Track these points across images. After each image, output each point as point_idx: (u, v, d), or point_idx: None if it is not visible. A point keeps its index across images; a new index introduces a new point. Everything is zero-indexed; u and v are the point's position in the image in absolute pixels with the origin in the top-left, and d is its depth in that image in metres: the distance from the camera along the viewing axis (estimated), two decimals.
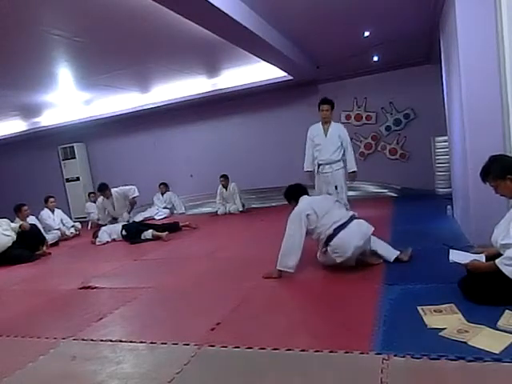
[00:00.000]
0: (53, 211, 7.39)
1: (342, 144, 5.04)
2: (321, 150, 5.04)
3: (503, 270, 2.24)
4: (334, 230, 3.23)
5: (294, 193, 3.61)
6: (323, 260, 3.44)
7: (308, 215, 3.31)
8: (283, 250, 3.29)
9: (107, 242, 6.41)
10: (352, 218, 3.36)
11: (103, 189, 7.21)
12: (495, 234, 2.44)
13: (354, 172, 5.15)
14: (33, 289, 4.26)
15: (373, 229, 3.34)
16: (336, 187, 5.05)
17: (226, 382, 1.94)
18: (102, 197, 7.31)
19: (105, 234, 6.51)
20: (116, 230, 6.51)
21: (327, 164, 5.04)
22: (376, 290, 2.80)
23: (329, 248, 3.26)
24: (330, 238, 3.23)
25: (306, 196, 3.58)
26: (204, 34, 4.41)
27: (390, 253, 3.40)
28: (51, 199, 7.43)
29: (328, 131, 5.04)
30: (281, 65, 6.15)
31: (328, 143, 5.01)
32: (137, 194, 7.17)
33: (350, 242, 3.16)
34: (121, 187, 7.24)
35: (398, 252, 3.39)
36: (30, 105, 7.53)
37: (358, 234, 3.21)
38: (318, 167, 5.09)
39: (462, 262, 2.47)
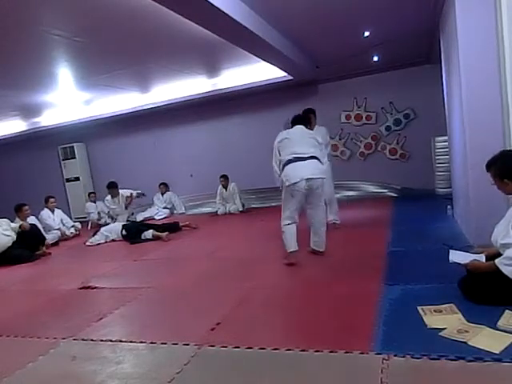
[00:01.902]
0: (53, 211, 7.40)
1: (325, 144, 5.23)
2: None
3: (503, 270, 2.24)
4: (289, 160, 3.73)
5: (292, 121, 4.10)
6: (283, 198, 3.83)
7: (279, 142, 3.88)
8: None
9: (98, 244, 6.38)
10: (312, 158, 3.76)
11: (112, 187, 7.47)
12: (495, 234, 2.44)
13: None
14: (33, 289, 4.26)
15: (325, 176, 3.88)
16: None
17: (226, 382, 1.94)
18: (109, 195, 7.53)
19: (101, 236, 6.51)
20: (116, 229, 6.51)
21: None
22: (376, 290, 2.80)
23: (282, 174, 3.76)
24: (285, 165, 3.75)
25: (293, 127, 3.99)
26: (204, 34, 4.41)
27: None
28: (51, 199, 7.44)
29: None
30: (281, 65, 6.15)
31: None
32: (135, 194, 7.59)
33: (299, 172, 3.66)
34: (125, 189, 7.61)
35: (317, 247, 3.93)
36: (30, 105, 7.53)
37: (308, 170, 3.68)
38: None
39: (462, 262, 2.47)
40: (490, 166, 2.46)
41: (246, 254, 4.44)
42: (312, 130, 5.20)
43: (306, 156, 3.73)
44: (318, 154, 3.83)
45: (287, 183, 3.69)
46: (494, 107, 3.30)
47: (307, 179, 3.64)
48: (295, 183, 3.64)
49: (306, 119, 4.20)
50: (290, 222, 3.77)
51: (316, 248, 3.94)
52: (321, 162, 3.84)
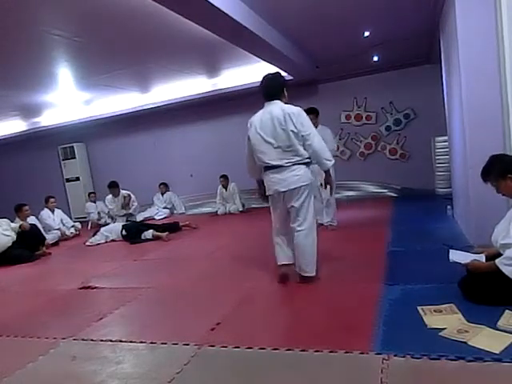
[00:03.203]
0: (53, 211, 7.41)
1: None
2: None
3: (503, 270, 2.24)
4: (265, 167, 3.14)
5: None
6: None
7: (249, 140, 3.22)
8: None
9: (98, 244, 6.38)
10: (292, 164, 3.04)
11: (113, 186, 7.59)
12: (495, 234, 2.45)
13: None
14: (33, 289, 4.26)
15: (304, 183, 3.05)
16: (321, 184, 5.09)
17: (226, 382, 1.94)
18: (110, 195, 7.65)
19: (101, 236, 6.51)
20: (116, 229, 6.51)
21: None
22: (376, 290, 2.80)
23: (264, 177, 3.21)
24: (265, 170, 3.16)
25: (265, 108, 3.17)
26: (204, 34, 4.41)
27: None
28: (52, 199, 7.45)
29: None
30: (281, 65, 6.15)
31: None
32: (133, 197, 7.74)
33: (273, 186, 3.11)
34: (126, 191, 7.75)
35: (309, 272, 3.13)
36: (30, 105, 7.53)
37: (283, 182, 3.05)
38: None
39: (462, 262, 2.47)
40: (487, 173, 2.45)
41: (246, 254, 4.43)
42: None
43: (281, 164, 3.04)
44: (295, 150, 3.02)
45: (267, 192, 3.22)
46: (494, 107, 3.30)
47: (283, 191, 3.08)
48: (271, 195, 3.19)
49: (280, 88, 3.20)
50: (279, 239, 3.26)
51: (303, 273, 3.14)
52: (300, 158, 3.04)
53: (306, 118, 3.06)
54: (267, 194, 3.21)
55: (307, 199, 3.10)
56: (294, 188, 3.03)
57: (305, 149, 3.03)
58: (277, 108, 3.07)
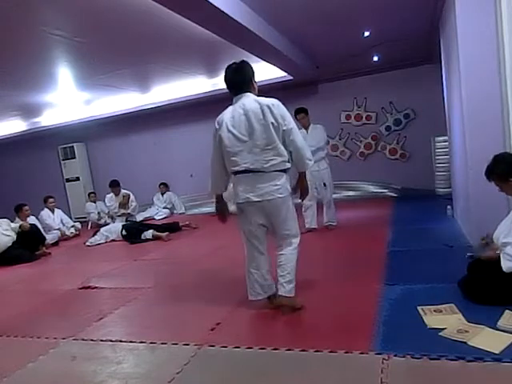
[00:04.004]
0: (53, 211, 7.41)
1: (323, 143, 5.11)
2: None
3: (502, 264, 2.28)
4: (238, 172, 2.63)
5: None
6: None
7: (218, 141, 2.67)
8: None
9: (98, 244, 6.38)
10: (274, 171, 2.57)
11: (114, 185, 7.67)
12: (497, 232, 2.46)
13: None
14: (33, 289, 4.26)
15: (282, 195, 2.57)
16: (324, 184, 5.15)
17: (226, 381, 1.94)
18: (112, 193, 7.71)
19: (101, 236, 6.51)
20: (116, 230, 6.51)
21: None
22: (376, 290, 2.80)
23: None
24: (236, 174, 2.67)
25: (236, 102, 2.72)
26: (204, 34, 4.41)
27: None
28: (50, 199, 7.45)
29: (308, 134, 5.06)
30: (281, 65, 6.15)
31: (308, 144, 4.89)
32: (132, 197, 7.81)
33: (246, 193, 2.61)
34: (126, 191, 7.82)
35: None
36: (30, 105, 7.52)
37: (258, 190, 2.56)
38: None
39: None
40: (490, 173, 2.46)
41: None
42: (307, 131, 5.05)
43: (259, 168, 2.55)
44: (275, 148, 2.55)
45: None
46: (494, 107, 3.30)
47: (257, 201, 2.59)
48: (240, 204, 2.69)
49: (249, 79, 2.76)
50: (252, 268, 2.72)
51: (286, 294, 2.63)
52: (282, 159, 2.57)
53: (286, 111, 2.63)
54: (236, 201, 2.70)
55: (288, 214, 2.62)
56: (271, 199, 2.55)
57: (285, 147, 2.58)
58: (250, 101, 2.62)
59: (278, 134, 2.55)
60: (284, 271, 2.63)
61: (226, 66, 2.78)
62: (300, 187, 2.81)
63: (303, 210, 5.04)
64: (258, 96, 2.70)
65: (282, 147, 2.57)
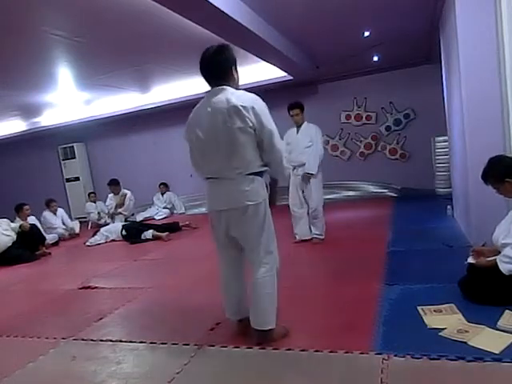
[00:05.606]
0: (55, 213, 7.44)
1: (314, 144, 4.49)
2: (291, 150, 4.45)
3: (500, 267, 2.28)
4: (206, 177, 2.34)
5: None
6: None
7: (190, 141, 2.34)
8: None
9: (98, 244, 6.38)
10: (234, 177, 2.19)
11: (113, 184, 7.65)
12: (496, 233, 2.46)
13: (310, 174, 4.41)
14: (33, 289, 4.26)
15: (253, 202, 2.18)
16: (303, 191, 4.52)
17: (225, 381, 1.95)
18: (112, 193, 7.72)
19: (101, 236, 6.51)
20: (116, 230, 6.51)
21: (299, 166, 4.46)
22: (376, 290, 2.80)
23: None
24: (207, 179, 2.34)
25: (208, 96, 2.29)
26: (204, 34, 4.41)
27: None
28: (53, 203, 7.45)
29: (299, 132, 4.64)
30: (281, 65, 6.15)
31: (298, 143, 4.53)
32: (128, 196, 7.80)
33: (211, 201, 2.33)
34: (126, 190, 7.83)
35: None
36: (30, 105, 7.52)
37: (222, 197, 2.23)
38: (293, 169, 4.46)
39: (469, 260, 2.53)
40: (486, 177, 2.47)
41: None
42: (298, 129, 4.57)
43: (223, 176, 2.22)
44: (241, 157, 2.15)
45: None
46: (494, 107, 3.30)
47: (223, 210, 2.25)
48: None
49: (228, 67, 2.29)
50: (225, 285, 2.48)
51: (257, 327, 2.23)
52: (250, 168, 2.18)
53: (263, 109, 2.16)
54: (206, 210, 2.41)
55: (262, 225, 2.21)
56: (237, 208, 2.17)
57: (262, 152, 2.19)
58: (221, 99, 2.17)
59: (247, 138, 2.13)
60: (254, 302, 2.23)
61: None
62: (270, 194, 2.37)
63: (292, 219, 4.56)
64: (239, 90, 2.24)
65: (253, 152, 2.17)
